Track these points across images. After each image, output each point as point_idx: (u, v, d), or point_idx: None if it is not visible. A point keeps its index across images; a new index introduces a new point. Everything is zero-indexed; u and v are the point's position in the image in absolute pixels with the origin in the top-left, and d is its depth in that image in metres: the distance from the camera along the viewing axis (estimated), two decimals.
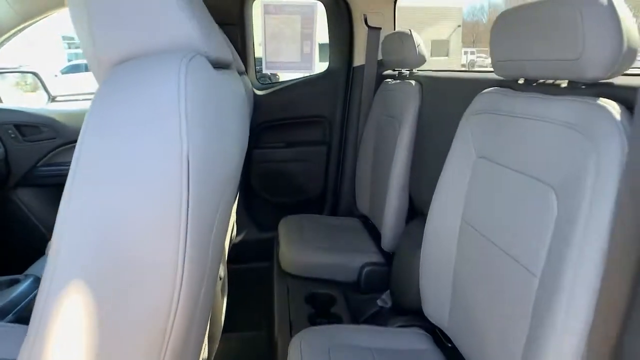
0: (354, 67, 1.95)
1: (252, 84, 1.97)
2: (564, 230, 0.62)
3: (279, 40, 2.00)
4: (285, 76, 2.25)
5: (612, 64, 0.62)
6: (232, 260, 1.67)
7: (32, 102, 2.67)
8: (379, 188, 1.63)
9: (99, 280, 0.39)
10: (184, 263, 0.42)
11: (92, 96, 0.43)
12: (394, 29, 1.85)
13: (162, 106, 0.41)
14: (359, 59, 1.93)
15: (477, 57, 20.68)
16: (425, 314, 1.05)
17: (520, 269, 0.70)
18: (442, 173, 1.01)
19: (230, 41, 1.45)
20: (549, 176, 0.67)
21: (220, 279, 0.96)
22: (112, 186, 0.39)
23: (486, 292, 0.80)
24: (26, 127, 1.81)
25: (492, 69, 0.90)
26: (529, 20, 0.74)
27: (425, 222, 1.04)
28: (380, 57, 1.87)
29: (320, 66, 2.10)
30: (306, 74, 2.07)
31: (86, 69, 8.68)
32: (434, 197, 1.02)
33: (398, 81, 1.65)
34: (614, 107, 0.61)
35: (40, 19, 1.64)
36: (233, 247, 1.86)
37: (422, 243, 1.05)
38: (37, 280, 1.29)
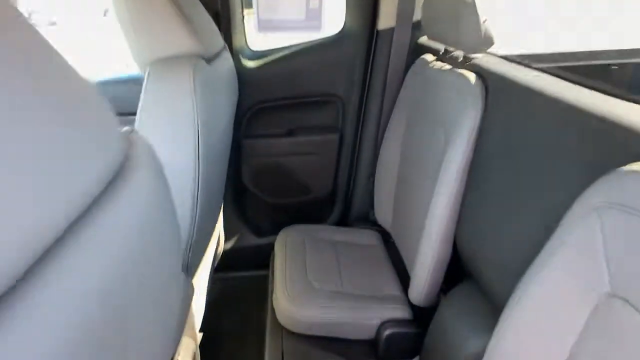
0: (378, 30, 1.44)
1: (240, 52, 1.50)
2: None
3: None
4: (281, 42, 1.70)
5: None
6: (223, 269, 1.54)
7: None
8: (407, 208, 1.24)
9: None
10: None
11: None
12: None
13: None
14: (387, 19, 1.41)
15: None
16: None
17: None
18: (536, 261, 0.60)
19: None
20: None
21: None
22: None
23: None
24: None
25: None
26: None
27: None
28: (417, 17, 1.35)
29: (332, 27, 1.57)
30: (313, 36, 1.55)
31: None
32: (529, 279, 0.60)
33: (446, 66, 1.14)
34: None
35: None
36: (224, 254, 1.54)
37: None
38: None
